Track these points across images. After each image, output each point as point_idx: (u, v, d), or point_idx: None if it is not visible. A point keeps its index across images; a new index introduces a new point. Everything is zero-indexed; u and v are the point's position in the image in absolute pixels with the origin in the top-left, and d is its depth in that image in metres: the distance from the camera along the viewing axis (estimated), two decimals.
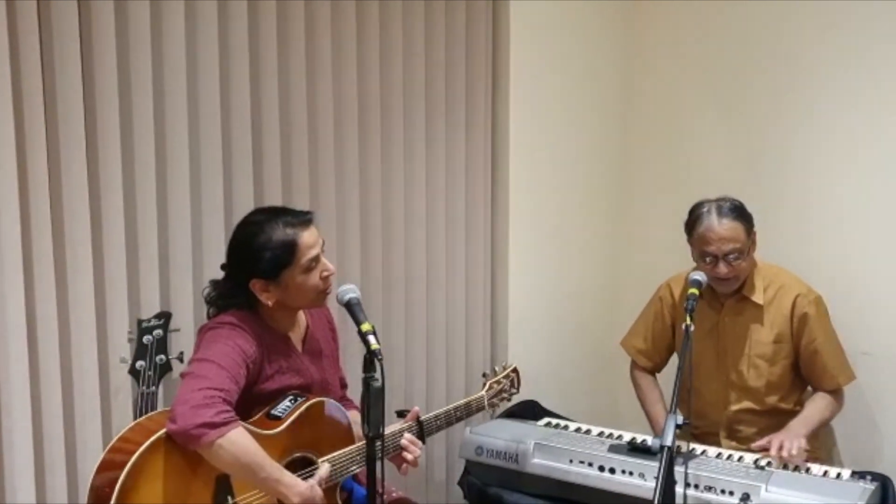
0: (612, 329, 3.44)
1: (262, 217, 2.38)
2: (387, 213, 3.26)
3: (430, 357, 3.46)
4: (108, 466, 2.08)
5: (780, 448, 2.70)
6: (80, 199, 2.54)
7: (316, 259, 2.36)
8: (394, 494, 2.65)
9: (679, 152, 3.69)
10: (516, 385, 2.98)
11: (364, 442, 2.33)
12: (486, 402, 2.83)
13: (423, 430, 2.57)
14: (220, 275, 2.47)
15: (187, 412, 2.08)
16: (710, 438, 3.05)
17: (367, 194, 3.19)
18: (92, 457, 2.46)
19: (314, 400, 2.38)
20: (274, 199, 2.86)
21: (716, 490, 2.54)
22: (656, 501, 2.17)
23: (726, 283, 2.91)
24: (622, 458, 2.70)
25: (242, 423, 2.17)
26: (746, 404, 3.00)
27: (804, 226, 3.34)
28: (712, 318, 3.02)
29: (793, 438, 2.75)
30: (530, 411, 3.33)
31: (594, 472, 2.73)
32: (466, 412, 2.75)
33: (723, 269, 2.86)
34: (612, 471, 2.70)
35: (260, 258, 2.31)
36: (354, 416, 2.55)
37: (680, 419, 2.32)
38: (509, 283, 3.59)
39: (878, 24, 3.10)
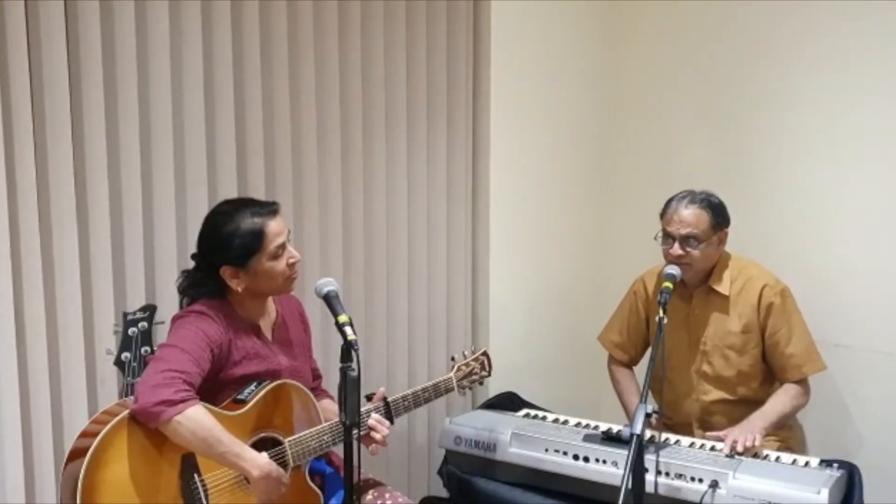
0: (591, 322, 3.51)
1: (230, 207, 2.47)
2: (369, 209, 3.34)
3: (411, 350, 3.54)
4: (78, 454, 2.14)
5: (734, 445, 2.76)
6: (67, 196, 2.62)
7: (282, 246, 2.45)
8: (368, 475, 2.72)
9: (656, 150, 3.77)
10: (487, 368, 3.01)
11: (331, 423, 2.43)
12: (454, 384, 2.87)
13: (390, 411, 2.64)
14: None
15: (147, 391, 2.17)
16: (683, 429, 3.12)
17: (349, 191, 3.27)
18: None
19: (278, 382, 2.45)
20: (257, 197, 2.92)
21: (686, 477, 2.61)
22: (624, 487, 2.23)
23: (683, 268, 2.94)
24: (596, 447, 2.78)
25: (204, 403, 2.24)
26: (718, 394, 3.07)
27: (778, 220, 3.42)
28: (683, 310, 3.09)
29: (748, 434, 2.79)
30: (510, 403, 3.41)
31: (569, 460, 2.80)
32: (434, 393, 2.80)
33: (676, 249, 2.94)
34: (585, 459, 2.77)
35: (229, 246, 2.40)
36: (326, 405, 2.64)
37: (650, 408, 2.38)
38: (490, 277, 3.67)
39: (847, 25, 3.18)
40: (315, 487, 2.49)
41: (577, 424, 3.04)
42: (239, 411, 2.35)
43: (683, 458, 2.67)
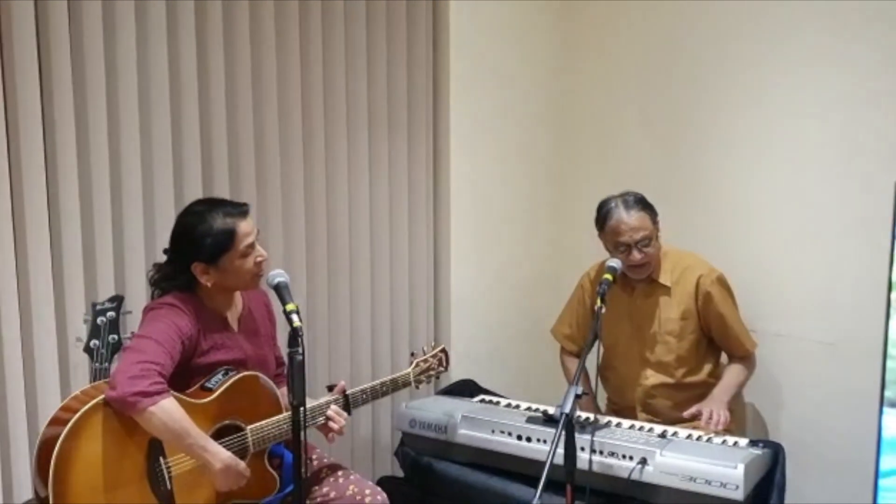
0: (547, 315, 3.68)
1: (203, 208, 2.64)
2: (332, 208, 3.51)
3: (374, 343, 3.71)
4: (56, 422, 2.33)
5: (711, 417, 2.97)
6: (39, 193, 2.80)
7: (251, 245, 2.63)
8: (325, 460, 2.90)
9: (607, 150, 3.95)
10: (444, 364, 3.18)
11: (289, 413, 2.57)
12: (411, 379, 3.04)
13: (348, 403, 2.81)
14: None
15: (125, 381, 2.33)
16: (628, 413, 3.30)
17: (312, 191, 3.44)
18: None
19: (244, 373, 2.63)
20: (222, 195, 3.09)
21: (617, 455, 2.79)
22: (549, 462, 2.40)
23: (640, 269, 3.16)
24: (537, 427, 2.95)
25: (175, 393, 2.42)
26: (659, 378, 3.25)
27: (719, 218, 3.58)
28: (626, 301, 3.28)
29: (719, 407, 3.03)
30: (467, 390, 3.60)
31: (513, 440, 2.98)
32: (392, 387, 2.98)
33: (636, 255, 3.12)
34: (528, 439, 2.95)
35: (202, 244, 2.57)
36: (286, 391, 2.80)
37: (579, 390, 2.56)
38: (451, 272, 3.85)
39: (777, 37, 3.34)
40: (273, 471, 2.67)
41: (528, 408, 3.21)
42: (206, 399, 2.53)
43: (618, 438, 2.84)
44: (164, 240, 2.97)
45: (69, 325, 2.89)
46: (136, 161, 2.99)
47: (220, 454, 2.45)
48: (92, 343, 2.66)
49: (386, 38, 3.57)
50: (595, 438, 2.81)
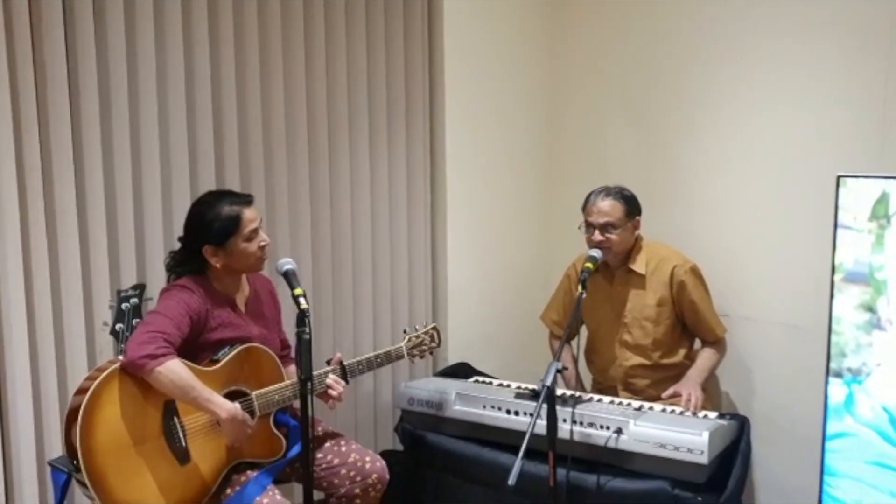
0: (539, 302, 3.94)
1: (212, 197, 2.94)
2: (335, 201, 3.77)
3: (377, 330, 3.96)
4: (81, 392, 2.62)
5: (689, 399, 3.22)
6: (69, 192, 3.08)
7: (255, 231, 2.91)
8: (329, 428, 3.17)
9: (594, 147, 4.20)
10: (436, 340, 3.40)
11: (293, 380, 2.87)
12: (404, 352, 3.26)
13: (345, 372, 3.07)
14: None
15: (134, 347, 2.64)
16: (610, 391, 3.56)
17: (317, 185, 3.69)
18: None
19: (248, 345, 2.91)
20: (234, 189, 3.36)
21: (595, 425, 3.05)
22: (530, 431, 2.66)
23: (604, 251, 3.39)
24: (525, 402, 3.22)
25: (186, 361, 2.69)
26: (637, 360, 3.50)
27: (694, 208, 3.82)
28: (606, 288, 3.54)
29: (695, 388, 3.29)
30: (462, 371, 3.87)
31: (503, 414, 3.25)
32: (386, 359, 3.22)
33: (597, 235, 3.39)
34: (516, 413, 3.22)
35: (211, 228, 2.86)
36: (291, 370, 3.04)
37: (559, 365, 2.83)
38: (448, 262, 4.10)
39: (754, 36, 3.57)
40: (279, 434, 2.95)
41: (518, 387, 3.46)
42: (213, 367, 2.82)
43: (596, 411, 3.11)
44: (180, 232, 3.27)
45: (96, 310, 3.17)
46: (156, 160, 3.26)
47: (224, 404, 2.72)
48: (117, 327, 2.91)
49: (385, 39, 3.81)
50: (576, 411, 3.07)
